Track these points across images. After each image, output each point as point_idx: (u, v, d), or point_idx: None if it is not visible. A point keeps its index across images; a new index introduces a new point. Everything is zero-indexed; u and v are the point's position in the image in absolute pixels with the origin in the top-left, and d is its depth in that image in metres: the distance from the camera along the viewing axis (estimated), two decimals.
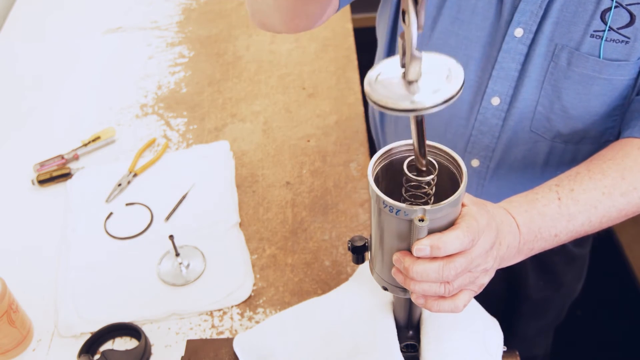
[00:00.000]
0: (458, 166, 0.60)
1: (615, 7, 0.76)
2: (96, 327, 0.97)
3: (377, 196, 0.57)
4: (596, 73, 0.80)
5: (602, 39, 0.78)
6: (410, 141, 0.62)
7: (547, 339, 1.43)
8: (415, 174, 0.60)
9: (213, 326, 1.00)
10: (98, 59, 1.56)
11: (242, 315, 1.01)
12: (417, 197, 0.62)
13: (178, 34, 1.62)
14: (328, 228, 1.14)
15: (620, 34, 0.77)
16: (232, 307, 1.02)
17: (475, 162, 0.96)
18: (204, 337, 0.98)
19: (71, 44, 1.61)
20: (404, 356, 0.75)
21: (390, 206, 0.57)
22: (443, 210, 0.57)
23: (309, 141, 1.31)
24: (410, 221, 0.57)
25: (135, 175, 1.23)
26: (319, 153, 1.28)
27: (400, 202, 0.57)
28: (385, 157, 0.62)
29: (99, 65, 1.54)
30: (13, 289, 0.96)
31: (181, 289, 1.04)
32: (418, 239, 0.58)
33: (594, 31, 0.78)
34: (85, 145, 1.30)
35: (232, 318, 1.01)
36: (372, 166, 0.60)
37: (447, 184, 0.62)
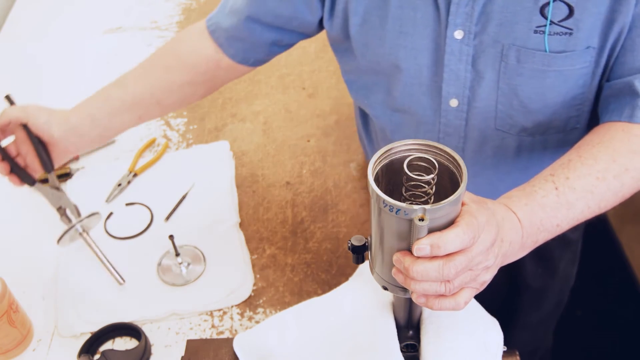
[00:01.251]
0: (458, 166, 0.60)
1: (553, 1, 0.78)
2: (96, 327, 0.97)
3: (377, 196, 0.57)
4: (545, 67, 0.82)
5: (545, 34, 0.80)
6: (410, 141, 0.62)
7: (549, 331, 1.43)
8: (415, 173, 0.60)
9: (213, 326, 1.00)
10: (98, 59, 1.56)
11: (242, 315, 1.01)
12: (417, 196, 0.62)
13: (178, 34, 1.62)
14: (328, 228, 1.14)
15: (562, 26, 0.79)
16: (232, 307, 1.02)
17: None
18: (204, 337, 0.98)
19: (71, 44, 1.61)
20: (404, 356, 0.75)
21: (390, 206, 0.57)
22: (443, 209, 0.57)
23: (309, 141, 1.31)
24: (410, 221, 0.57)
25: (135, 175, 1.23)
26: (319, 153, 1.28)
27: (400, 201, 0.57)
28: (385, 157, 0.62)
29: (99, 65, 1.54)
30: (13, 289, 0.96)
31: (181, 289, 1.04)
32: (418, 239, 0.58)
33: (537, 27, 0.80)
34: None
35: (232, 318, 1.01)
36: (372, 166, 0.60)
37: (447, 184, 0.62)
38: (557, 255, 1.17)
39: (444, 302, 0.63)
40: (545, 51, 0.81)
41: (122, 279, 1.00)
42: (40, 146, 0.98)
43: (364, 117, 1.12)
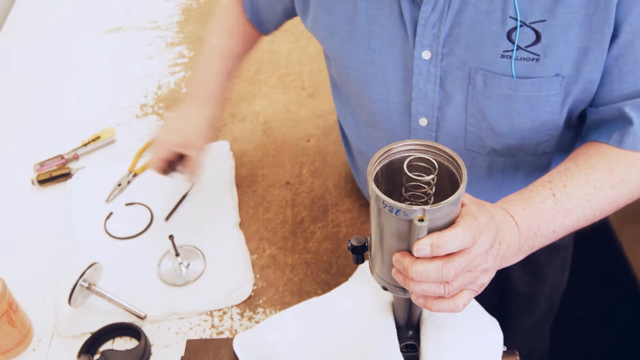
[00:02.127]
0: (458, 166, 0.60)
1: (520, 26, 0.77)
2: (96, 327, 0.97)
3: (377, 196, 0.57)
4: (512, 91, 0.81)
5: (512, 59, 0.79)
6: (410, 141, 0.62)
7: (543, 334, 1.43)
8: (415, 174, 0.60)
9: (213, 326, 1.00)
10: (98, 59, 1.56)
11: (242, 315, 1.01)
12: (417, 197, 0.62)
13: (178, 34, 1.62)
14: (328, 228, 1.14)
15: (529, 52, 0.78)
16: (232, 307, 1.02)
17: None
18: (204, 337, 0.98)
19: (71, 44, 1.62)
20: (404, 356, 0.75)
21: (390, 206, 0.57)
22: (443, 210, 0.57)
23: (309, 141, 1.31)
24: (410, 221, 0.57)
25: (135, 175, 1.23)
26: (319, 153, 1.28)
27: (400, 202, 0.57)
28: (385, 157, 0.62)
29: (99, 65, 1.54)
30: (13, 289, 0.96)
31: (181, 289, 1.04)
32: (418, 239, 0.58)
33: (504, 51, 0.79)
34: (85, 145, 1.30)
35: (232, 318, 1.01)
36: (371, 166, 0.60)
37: (447, 184, 0.62)
38: (545, 261, 1.17)
39: (443, 303, 0.63)
40: (512, 76, 0.80)
41: (142, 313, 0.99)
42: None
43: (342, 130, 1.12)
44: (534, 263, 1.15)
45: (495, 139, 0.88)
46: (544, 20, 0.76)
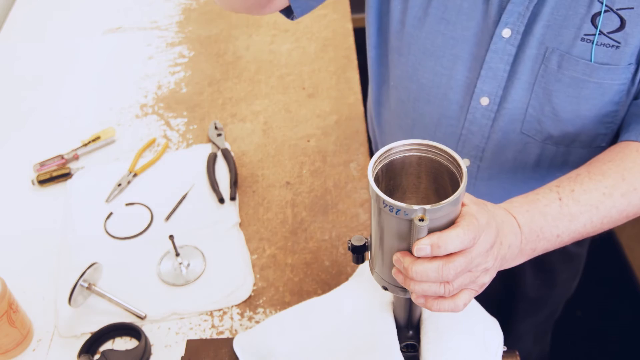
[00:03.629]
0: (458, 166, 0.60)
1: (606, 11, 0.76)
2: (96, 327, 0.97)
3: (377, 196, 0.57)
4: (586, 76, 0.80)
5: (592, 43, 0.78)
6: (410, 141, 0.62)
7: (544, 335, 1.43)
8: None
9: (213, 326, 1.00)
10: (98, 59, 1.56)
11: (242, 315, 1.01)
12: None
13: (178, 34, 1.62)
14: (328, 228, 1.14)
15: (610, 38, 0.77)
16: (232, 307, 1.02)
17: (465, 162, 0.96)
18: (204, 337, 0.98)
19: (71, 44, 1.61)
20: (404, 356, 0.75)
21: (390, 206, 0.57)
22: (443, 209, 0.57)
23: (309, 141, 1.31)
24: (410, 221, 0.57)
25: (135, 175, 1.23)
26: (319, 153, 1.28)
27: (400, 201, 0.57)
28: (385, 157, 0.62)
29: (99, 65, 1.54)
30: (13, 289, 0.96)
31: (181, 289, 1.04)
32: (418, 239, 0.58)
33: (585, 35, 0.78)
34: (85, 145, 1.30)
35: (232, 318, 1.01)
36: (372, 166, 0.60)
37: (447, 184, 0.62)
38: (558, 268, 1.16)
39: (443, 303, 0.63)
40: (590, 61, 0.79)
41: (142, 313, 0.99)
42: None
43: (378, 107, 1.09)
44: (547, 268, 1.15)
45: (555, 125, 0.86)
46: (632, 8, 0.75)
